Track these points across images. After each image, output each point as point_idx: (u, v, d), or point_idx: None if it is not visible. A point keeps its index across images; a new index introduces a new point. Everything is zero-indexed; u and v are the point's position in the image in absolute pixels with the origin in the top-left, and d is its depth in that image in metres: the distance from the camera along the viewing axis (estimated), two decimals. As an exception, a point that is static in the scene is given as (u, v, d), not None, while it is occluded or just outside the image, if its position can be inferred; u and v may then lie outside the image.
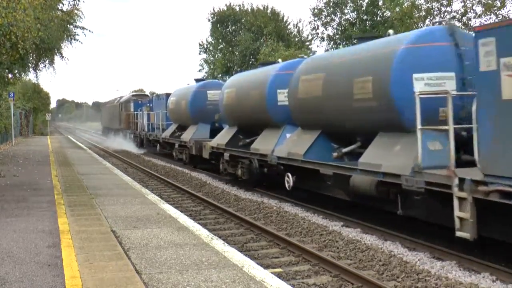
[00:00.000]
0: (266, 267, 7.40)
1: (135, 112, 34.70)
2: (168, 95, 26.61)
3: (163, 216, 8.71)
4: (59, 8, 17.74)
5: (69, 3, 18.14)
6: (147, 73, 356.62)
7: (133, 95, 39.05)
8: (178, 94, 24.23)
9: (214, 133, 19.38)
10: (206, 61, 49.11)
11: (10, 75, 20.25)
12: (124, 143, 35.56)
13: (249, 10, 46.26)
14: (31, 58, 18.36)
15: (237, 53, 44.69)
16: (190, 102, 21.39)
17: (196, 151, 19.30)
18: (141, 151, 31.39)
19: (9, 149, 27.07)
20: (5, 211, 9.00)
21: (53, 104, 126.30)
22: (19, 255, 6.12)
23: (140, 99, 36.97)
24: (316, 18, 37.24)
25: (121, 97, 43.61)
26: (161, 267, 5.59)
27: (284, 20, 45.29)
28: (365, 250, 8.43)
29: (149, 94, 42.28)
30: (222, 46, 47.08)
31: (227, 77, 45.78)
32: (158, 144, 27.46)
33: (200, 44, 48.94)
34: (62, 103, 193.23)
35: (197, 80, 23.69)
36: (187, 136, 21.05)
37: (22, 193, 11.20)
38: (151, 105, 30.77)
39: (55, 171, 15.90)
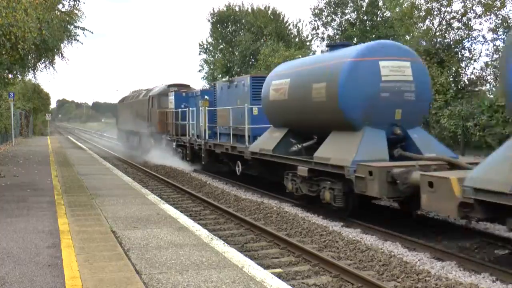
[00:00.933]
0: (266, 267, 7.42)
1: (177, 110, 23.44)
2: (255, 78, 16.93)
3: (163, 216, 8.70)
4: (59, 8, 17.77)
5: (69, 3, 18.17)
6: (147, 74, 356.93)
7: (169, 86, 27.28)
8: (296, 71, 12.97)
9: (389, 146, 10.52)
10: (206, 61, 49.14)
11: (10, 76, 20.32)
12: (159, 154, 24.46)
13: (249, 10, 46.33)
14: (30, 58, 18.38)
15: (237, 53, 44.71)
16: (344, 84, 10.65)
17: (384, 189, 9.15)
18: (192, 167, 21.11)
19: (9, 150, 27.03)
20: (5, 211, 9.00)
21: (53, 105, 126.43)
22: (19, 255, 6.12)
23: (184, 90, 25.54)
24: (316, 18, 37.30)
25: (149, 90, 30.75)
26: (161, 267, 5.59)
27: (285, 20, 45.36)
28: (365, 251, 8.43)
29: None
30: (222, 46, 47.13)
31: (227, 77, 45.79)
32: (239, 163, 16.04)
33: (200, 45, 49.01)
34: (62, 103, 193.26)
35: (332, 47, 12.90)
36: (338, 153, 10.53)
37: (22, 193, 11.20)
38: (212, 98, 20.09)
39: (55, 171, 15.90)
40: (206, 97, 19.87)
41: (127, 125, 34.32)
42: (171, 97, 24.83)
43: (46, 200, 10.27)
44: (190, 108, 21.37)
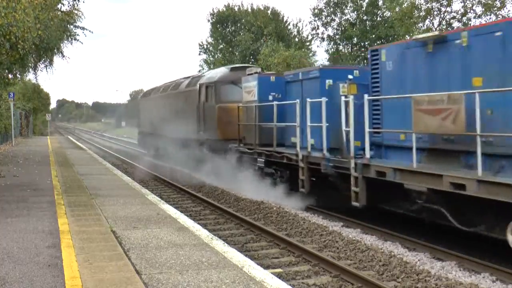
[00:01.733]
0: (266, 267, 7.41)
1: (267, 103, 14.30)
2: None
3: (163, 216, 8.70)
4: (59, 8, 17.80)
5: (68, 3, 18.20)
6: (147, 74, 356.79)
7: (233, 68, 19.02)
8: None
9: None
10: (206, 61, 49.15)
11: (10, 76, 20.33)
12: (226, 176, 15.85)
13: (249, 10, 46.38)
14: (30, 58, 18.40)
15: (237, 53, 44.71)
16: None
17: None
18: (303, 203, 12.46)
19: (9, 150, 27.03)
20: (5, 211, 8.99)
21: (53, 105, 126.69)
22: (19, 255, 6.12)
23: (267, 74, 16.41)
24: (316, 18, 37.32)
25: (195, 76, 21.62)
26: (161, 268, 5.59)
27: (284, 20, 45.40)
28: (365, 251, 8.43)
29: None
30: (222, 46, 47.16)
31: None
32: None
33: (200, 45, 49.05)
34: (62, 103, 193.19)
35: None
36: None
37: (22, 194, 11.19)
38: (367, 78, 10.71)
39: (55, 171, 15.90)
40: (349, 76, 10.96)
41: (158, 127, 23.99)
42: (251, 84, 15.32)
43: (46, 200, 10.26)
44: (309, 100, 12.01)
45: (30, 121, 50.23)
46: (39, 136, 51.32)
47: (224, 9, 47.09)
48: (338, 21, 36.79)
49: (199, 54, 49.71)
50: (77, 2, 17.98)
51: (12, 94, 30.09)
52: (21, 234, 7.25)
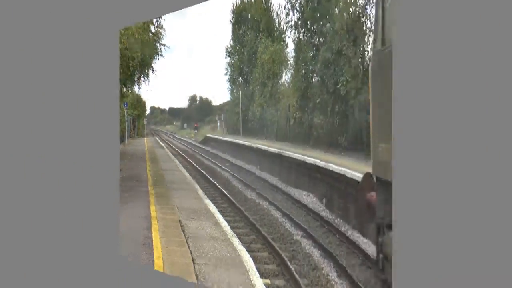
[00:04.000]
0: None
1: None
2: None
3: (206, 210, 7.85)
4: (151, 30, 14.89)
5: (156, 23, 14.89)
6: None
7: None
8: None
9: None
10: (229, 64, 34.63)
11: (124, 89, 18.85)
12: None
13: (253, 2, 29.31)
14: (136, 74, 16.15)
15: (245, 53, 30.16)
16: None
17: None
18: None
19: (123, 149, 24.99)
20: (122, 199, 7.99)
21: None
22: (127, 235, 5.72)
23: None
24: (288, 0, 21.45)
25: None
26: (205, 259, 4.70)
27: (271, 9, 28.29)
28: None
29: None
30: (237, 48, 33.06)
31: (240, 78, 32.89)
32: None
33: (226, 48, 34.79)
34: (152, 110, 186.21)
35: None
36: None
37: (131, 184, 10.34)
38: None
39: (149, 166, 14.91)
40: None
41: None
42: None
43: (144, 190, 9.52)
44: None
45: (136, 125, 48.59)
46: (140, 137, 49.19)
47: (239, 3, 30.16)
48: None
49: (225, 58, 35.54)
50: (160, 20, 14.56)
51: (125, 104, 27.63)
52: (129, 218, 6.75)
